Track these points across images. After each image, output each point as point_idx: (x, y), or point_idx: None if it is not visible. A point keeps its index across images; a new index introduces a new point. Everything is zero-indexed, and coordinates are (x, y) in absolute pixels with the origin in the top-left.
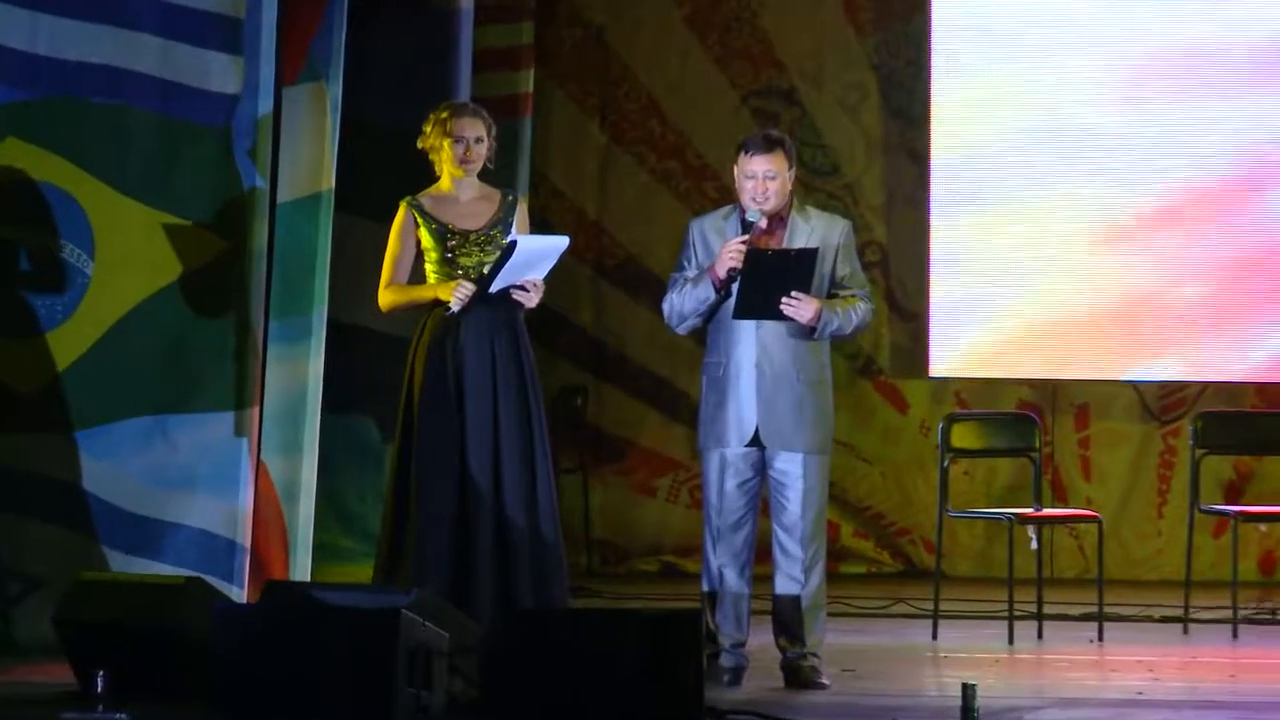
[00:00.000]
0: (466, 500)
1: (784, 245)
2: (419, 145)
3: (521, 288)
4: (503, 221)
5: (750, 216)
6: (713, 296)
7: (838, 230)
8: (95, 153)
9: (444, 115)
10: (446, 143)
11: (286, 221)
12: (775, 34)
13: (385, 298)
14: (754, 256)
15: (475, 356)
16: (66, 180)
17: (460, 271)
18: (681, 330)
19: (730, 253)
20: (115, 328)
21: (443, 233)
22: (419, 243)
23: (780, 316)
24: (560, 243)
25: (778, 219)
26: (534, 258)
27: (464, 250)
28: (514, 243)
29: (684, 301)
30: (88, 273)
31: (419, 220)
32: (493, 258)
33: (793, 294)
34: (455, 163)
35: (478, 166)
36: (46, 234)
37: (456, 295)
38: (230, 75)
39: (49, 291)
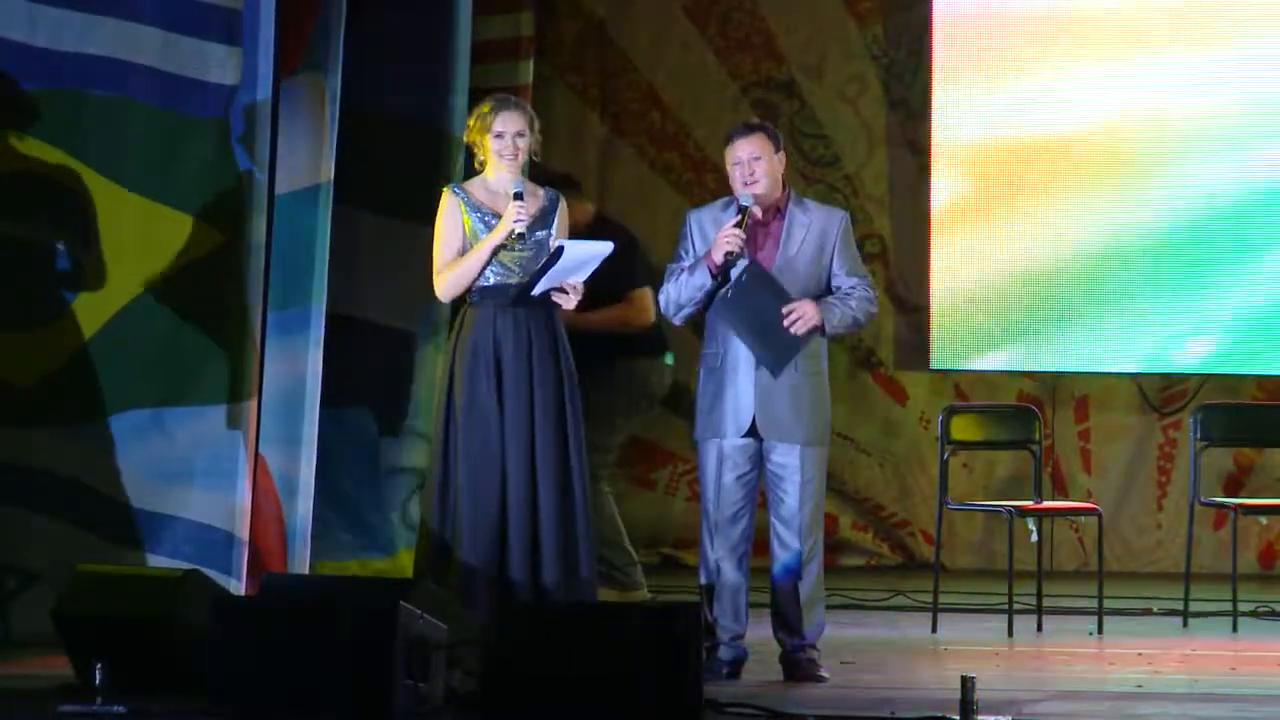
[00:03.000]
0: (505, 493)
1: (781, 234)
2: (466, 138)
3: (562, 290)
4: (545, 219)
5: (743, 201)
6: (709, 283)
7: (835, 221)
8: (93, 144)
9: (485, 110)
10: (487, 138)
11: (285, 213)
12: (775, 25)
13: (443, 280)
14: (733, 303)
15: (514, 352)
16: (64, 172)
17: (502, 264)
18: (678, 320)
19: (725, 237)
20: (112, 321)
21: (486, 219)
22: (463, 228)
23: (799, 342)
24: (604, 248)
25: (775, 211)
26: (578, 262)
27: (506, 244)
28: (561, 247)
29: (680, 290)
30: (85, 265)
31: (462, 207)
32: (523, 254)
33: (784, 310)
34: (495, 157)
35: (519, 161)
36: (44, 226)
37: (515, 219)
38: (229, 66)
39: (46, 284)
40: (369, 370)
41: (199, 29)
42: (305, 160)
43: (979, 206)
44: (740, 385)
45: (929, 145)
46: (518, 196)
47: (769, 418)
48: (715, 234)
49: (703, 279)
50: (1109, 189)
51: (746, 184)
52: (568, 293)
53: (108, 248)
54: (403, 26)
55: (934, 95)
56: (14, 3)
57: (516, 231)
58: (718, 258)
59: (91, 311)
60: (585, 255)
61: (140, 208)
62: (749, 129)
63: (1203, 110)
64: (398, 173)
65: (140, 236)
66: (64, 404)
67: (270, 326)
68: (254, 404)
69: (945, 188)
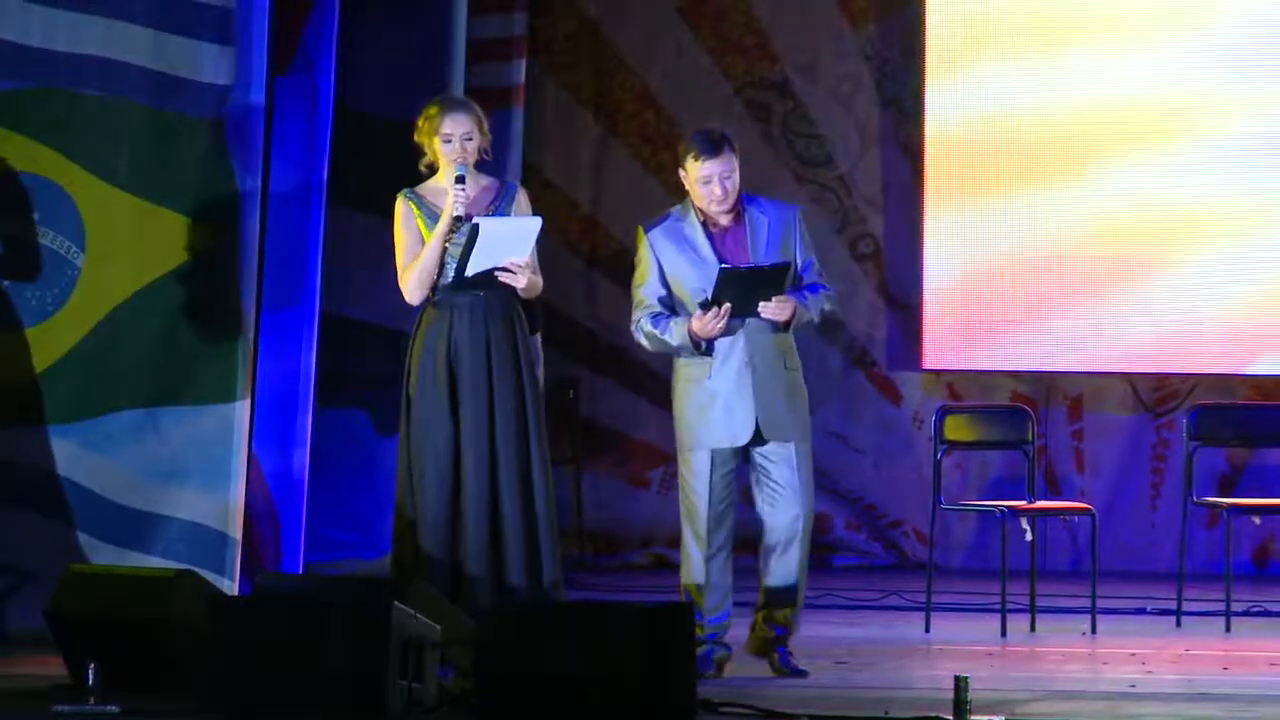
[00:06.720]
0: (462, 490)
1: (746, 237)
2: (415, 140)
3: (506, 269)
4: (498, 211)
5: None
6: (694, 350)
7: (791, 215)
8: (86, 144)
9: (433, 112)
10: (436, 140)
11: (278, 213)
12: (769, 25)
13: (406, 281)
14: (728, 275)
15: (470, 345)
16: (56, 172)
17: (453, 259)
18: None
19: (709, 327)
20: (106, 320)
21: (438, 220)
22: (419, 231)
23: (756, 315)
24: (530, 223)
25: (734, 215)
26: (506, 239)
27: (455, 236)
28: (477, 225)
29: (662, 345)
30: (78, 265)
31: (416, 211)
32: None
33: (772, 299)
34: (445, 160)
35: (471, 161)
36: (36, 226)
37: (456, 200)
38: (222, 66)
39: (38, 284)
40: (363, 370)
41: (192, 29)
42: (298, 160)
43: (972, 206)
44: (739, 392)
45: (922, 145)
46: (459, 180)
47: (769, 420)
48: (683, 248)
49: (689, 348)
50: (1102, 190)
51: (718, 203)
52: (514, 272)
53: (100, 248)
54: (396, 26)
55: (926, 95)
56: (6, 2)
57: (455, 214)
58: (703, 339)
59: (84, 311)
60: (510, 231)
61: (133, 207)
62: (718, 144)
63: (1195, 107)
64: (391, 173)
65: (133, 236)
66: (57, 403)
67: (264, 326)
68: (248, 404)
69: (938, 188)
